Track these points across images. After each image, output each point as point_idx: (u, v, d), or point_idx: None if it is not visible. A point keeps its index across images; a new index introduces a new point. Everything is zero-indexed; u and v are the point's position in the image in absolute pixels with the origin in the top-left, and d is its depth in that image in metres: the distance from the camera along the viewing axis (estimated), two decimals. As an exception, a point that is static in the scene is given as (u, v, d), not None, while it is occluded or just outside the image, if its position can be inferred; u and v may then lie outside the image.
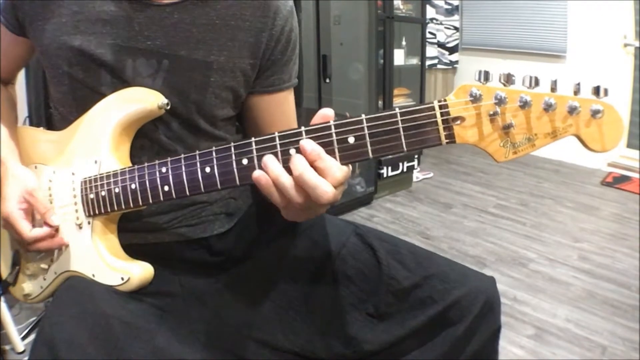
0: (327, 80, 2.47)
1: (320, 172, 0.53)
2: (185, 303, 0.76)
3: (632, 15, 3.35)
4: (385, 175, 2.95)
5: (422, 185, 3.21)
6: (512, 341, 1.63)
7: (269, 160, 0.55)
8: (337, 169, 0.54)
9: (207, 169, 0.61)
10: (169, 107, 0.70)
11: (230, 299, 0.78)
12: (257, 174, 0.55)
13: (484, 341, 0.72)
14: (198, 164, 0.62)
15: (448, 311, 0.71)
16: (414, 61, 3.29)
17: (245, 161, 0.58)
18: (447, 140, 0.52)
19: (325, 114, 0.56)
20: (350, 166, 0.56)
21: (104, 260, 0.70)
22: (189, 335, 0.72)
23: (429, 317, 0.72)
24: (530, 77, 0.50)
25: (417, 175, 3.27)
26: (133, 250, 0.73)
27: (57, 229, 0.72)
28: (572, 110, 0.50)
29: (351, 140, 0.54)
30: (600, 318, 1.77)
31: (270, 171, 0.55)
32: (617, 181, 3.29)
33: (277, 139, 0.56)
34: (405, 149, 0.53)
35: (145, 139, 0.75)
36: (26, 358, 1.44)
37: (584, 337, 1.66)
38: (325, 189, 0.52)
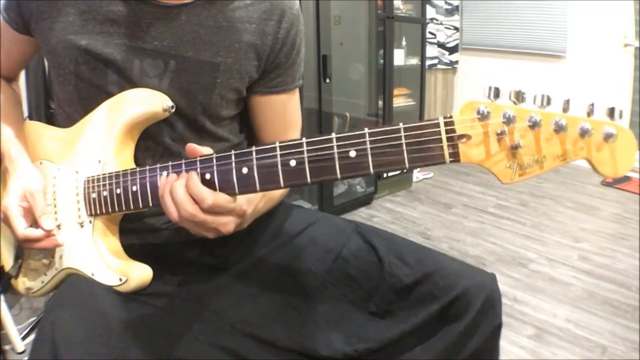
0: (327, 80, 2.47)
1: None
2: (184, 303, 0.76)
3: (632, 15, 3.35)
4: (385, 176, 2.95)
5: (422, 185, 3.21)
6: (512, 341, 1.62)
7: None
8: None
9: (207, 176, 0.60)
10: (173, 110, 0.70)
11: (230, 298, 0.78)
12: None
13: (485, 337, 0.72)
14: (198, 170, 0.61)
15: (449, 307, 0.71)
16: (414, 61, 3.28)
17: (245, 170, 0.58)
18: (451, 159, 0.51)
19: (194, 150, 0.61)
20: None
21: (103, 259, 0.70)
22: (189, 336, 0.72)
23: (431, 313, 0.72)
24: (542, 96, 0.47)
25: (417, 175, 3.27)
26: (132, 250, 0.73)
27: (51, 231, 0.71)
28: (583, 133, 0.47)
29: (352, 154, 0.53)
30: (600, 318, 1.77)
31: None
32: (617, 181, 3.29)
33: (277, 149, 0.56)
34: (407, 165, 0.52)
35: (150, 141, 0.75)
36: (26, 358, 1.43)
37: (584, 337, 1.65)
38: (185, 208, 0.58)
